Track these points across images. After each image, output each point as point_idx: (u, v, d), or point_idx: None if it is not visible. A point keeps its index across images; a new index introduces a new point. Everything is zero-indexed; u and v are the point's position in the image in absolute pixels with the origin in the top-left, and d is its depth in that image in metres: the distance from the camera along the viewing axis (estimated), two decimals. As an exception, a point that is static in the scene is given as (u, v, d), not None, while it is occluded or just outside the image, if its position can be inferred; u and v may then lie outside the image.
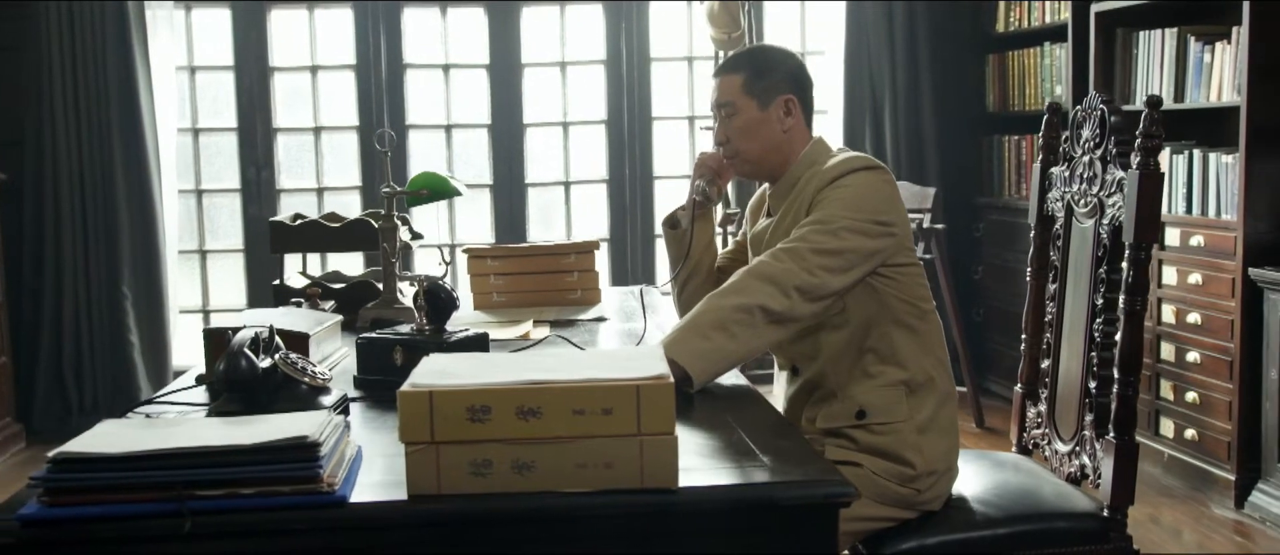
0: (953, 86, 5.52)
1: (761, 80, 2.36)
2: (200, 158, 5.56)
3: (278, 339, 1.83)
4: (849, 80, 5.47)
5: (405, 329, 2.15)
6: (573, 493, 1.44)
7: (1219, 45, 3.97)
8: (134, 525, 1.39)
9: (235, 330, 1.80)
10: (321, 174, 5.59)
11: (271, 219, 2.97)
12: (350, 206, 5.57)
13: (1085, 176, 2.45)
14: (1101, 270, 2.36)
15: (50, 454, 1.40)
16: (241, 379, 1.72)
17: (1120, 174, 2.30)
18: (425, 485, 1.44)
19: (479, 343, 2.14)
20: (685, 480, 1.47)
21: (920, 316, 2.31)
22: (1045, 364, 2.61)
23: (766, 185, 2.55)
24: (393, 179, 5.59)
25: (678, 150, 5.76)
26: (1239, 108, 3.75)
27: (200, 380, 2.18)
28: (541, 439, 1.43)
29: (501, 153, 5.63)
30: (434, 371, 1.51)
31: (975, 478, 2.46)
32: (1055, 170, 2.61)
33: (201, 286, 5.61)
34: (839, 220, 2.17)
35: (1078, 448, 2.42)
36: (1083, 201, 2.46)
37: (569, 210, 5.74)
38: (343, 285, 2.97)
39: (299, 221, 3.06)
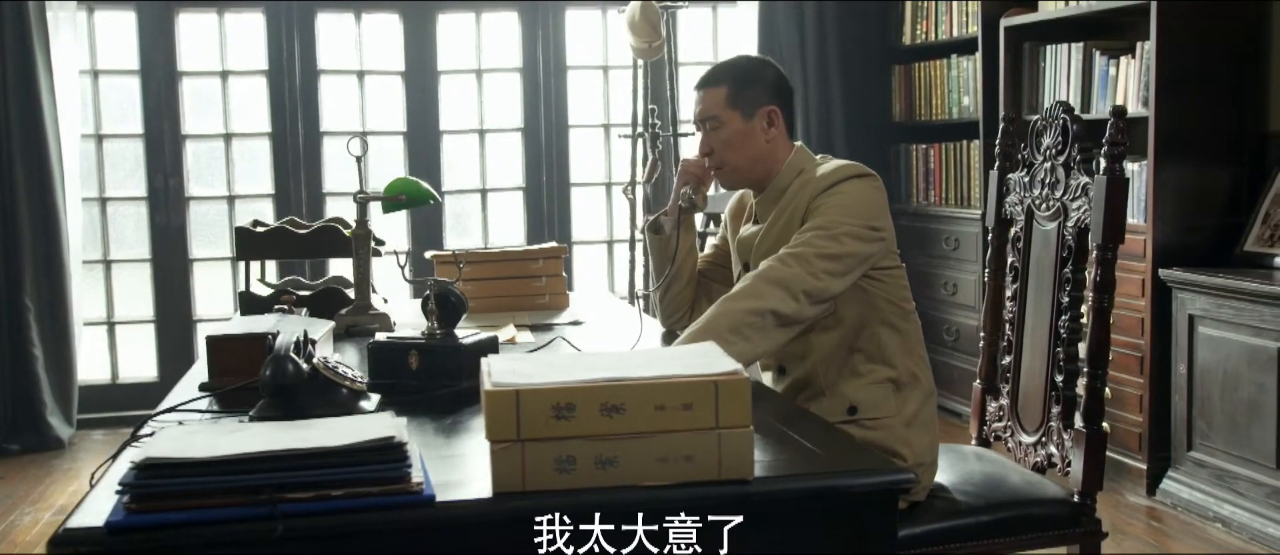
0: (860, 96, 5.70)
1: (744, 92, 2.44)
2: (104, 164, 5.38)
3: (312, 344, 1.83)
4: (762, 90, 5.59)
5: (416, 333, 2.16)
6: (653, 486, 1.48)
7: (1124, 59, 4.21)
8: (224, 530, 1.38)
9: (274, 335, 1.79)
10: (232, 181, 5.47)
11: (237, 226, 2.93)
12: (263, 214, 5.45)
13: (1047, 182, 2.59)
14: (1066, 270, 2.51)
15: (135, 460, 1.38)
16: (289, 383, 1.72)
17: (1085, 179, 2.45)
18: (510, 482, 1.47)
19: (490, 346, 2.16)
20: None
21: (904, 317, 2.42)
22: (1006, 361, 2.75)
23: (743, 190, 2.63)
24: (305, 187, 5.52)
25: (594, 158, 5.81)
26: (1145, 118, 3.99)
27: (205, 388, 2.14)
28: (624, 435, 1.47)
29: (417, 160, 5.59)
30: (506, 371, 1.53)
31: (948, 469, 2.58)
32: (1012, 176, 2.75)
33: (106, 297, 5.43)
34: (839, 226, 2.26)
35: (1044, 438, 2.56)
36: (1044, 206, 2.61)
37: (486, 218, 5.74)
38: (309, 292, 2.94)
39: (260, 228, 3.02)
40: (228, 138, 5.45)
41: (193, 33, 5.39)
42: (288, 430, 1.53)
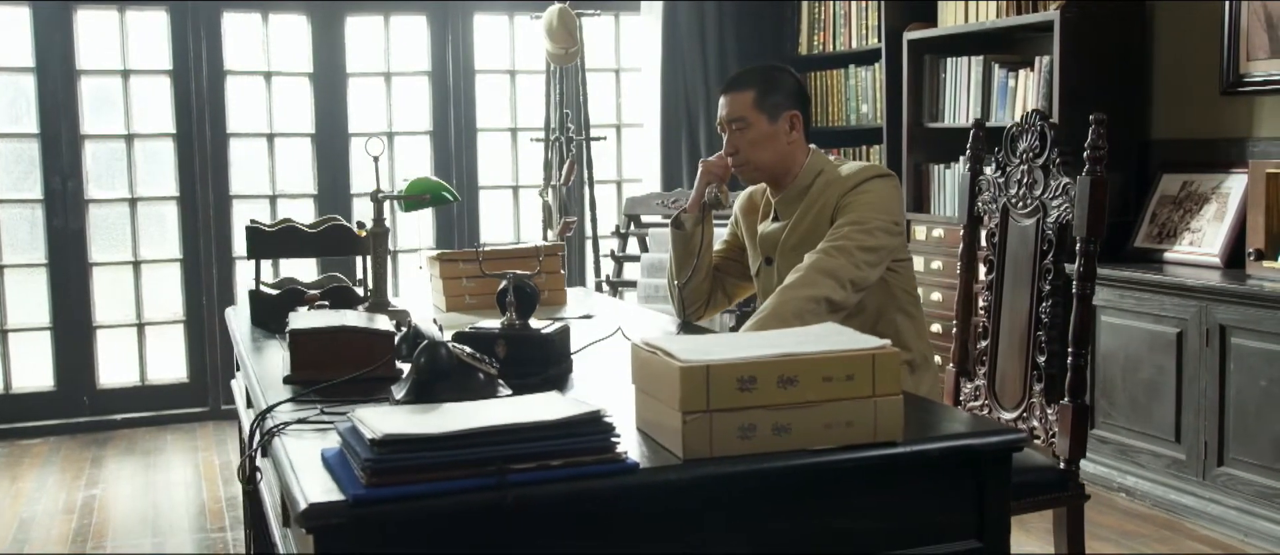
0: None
1: (770, 97, 2.63)
2: (-4, 165, 5.16)
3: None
4: (665, 95, 5.80)
5: (496, 323, 2.26)
6: (820, 449, 1.65)
7: (1022, 72, 4.60)
8: (457, 500, 1.47)
9: (401, 331, 1.87)
10: (135, 184, 5.32)
11: (247, 225, 2.92)
12: (167, 217, 5.34)
13: (1025, 182, 2.87)
14: (1047, 261, 2.79)
15: (373, 437, 1.46)
16: (442, 369, 1.81)
17: (1065, 179, 2.74)
18: (699, 449, 1.61)
19: (566, 335, 2.28)
20: (892, 436, 1.72)
21: (915, 304, 2.65)
22: (982, 345, 3.02)
23: (753, 189, 2.82)
24: (212, 190, 5.42)
25: (502, 161, 5.90)
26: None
27: (288, 380, 2.19)
28: (797, 404, 1.64)
29: (325, 163, 5.56)
30: (685, 350, 1.67)
31: (942, 444, 2.82)
32: (984, 176, 3.02)
33: (-1, 304, 5.21)
34: (871, 221, 2.48)
35: (1025, 413, 2.84)
36: (1021, 204, 2.88)
37: (395, 221, 5.74)
38: (318, 290, 2.97)
39: (267, 227, 3.02)
40: (129, 138, 5.30)
41: (92, 30, 5.22)
42: (479, 410, 1.62)
